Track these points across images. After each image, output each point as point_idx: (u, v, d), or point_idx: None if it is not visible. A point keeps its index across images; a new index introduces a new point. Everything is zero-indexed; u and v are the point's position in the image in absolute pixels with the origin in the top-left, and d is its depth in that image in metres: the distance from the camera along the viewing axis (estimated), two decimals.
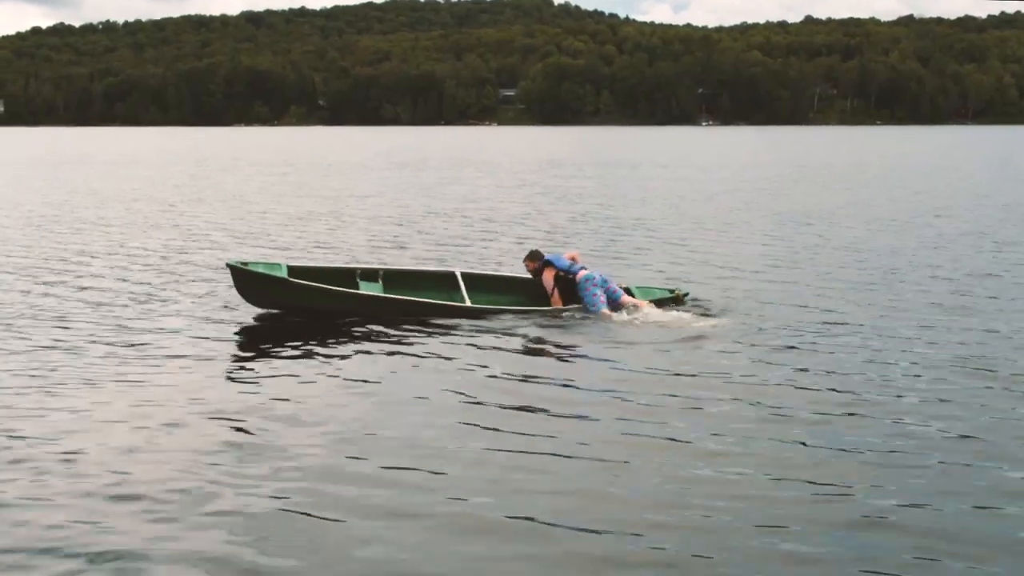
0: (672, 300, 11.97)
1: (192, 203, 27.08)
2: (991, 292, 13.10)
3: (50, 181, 37.36)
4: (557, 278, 11.96)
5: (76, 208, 25.50)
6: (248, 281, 11.36)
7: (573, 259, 12.27)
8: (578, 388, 8.59)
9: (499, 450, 6.95)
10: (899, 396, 8.24)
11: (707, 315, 11.35)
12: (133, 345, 10.02)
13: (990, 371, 8.97)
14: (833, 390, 8.38)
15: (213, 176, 40.43)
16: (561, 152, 67.32)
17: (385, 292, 11.79)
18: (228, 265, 11.57)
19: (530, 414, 7.87)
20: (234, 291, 11.71)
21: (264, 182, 36.64)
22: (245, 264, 11.61)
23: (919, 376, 8.84)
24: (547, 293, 11.94)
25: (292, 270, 11.69)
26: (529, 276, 12.34)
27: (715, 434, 7.26)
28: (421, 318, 11.17)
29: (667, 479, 6.41)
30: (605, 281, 11.84)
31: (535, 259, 12.28)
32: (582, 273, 11.87)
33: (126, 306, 12.09)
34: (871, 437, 7.18)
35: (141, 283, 13.78)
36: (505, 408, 7.99)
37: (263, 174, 42.08)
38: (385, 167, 47.98)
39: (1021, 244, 17.97)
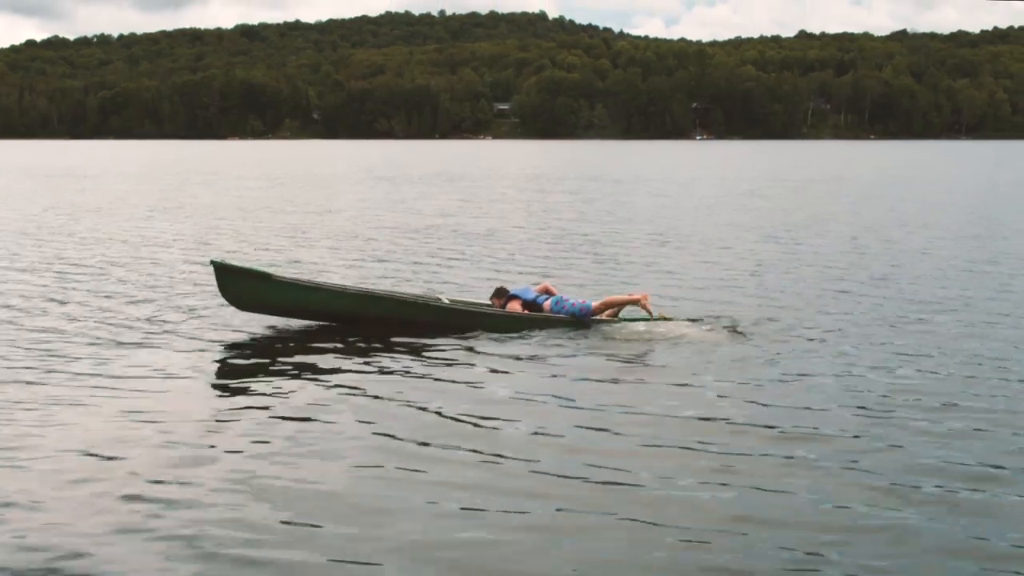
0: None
1: (153, 217, 26.98)
2: (965, 304, 13.07)
3: (27, 194, 37.31)
4: (524, 305, 11.79)
5: (45, 222, 25.36)
6: (232, 279, 11.24)
7: (546, 290, 12.01)
8: (570, 401, 8.47)
9: (478, 479, 6.67)
10: (887, 415, 8.09)
11: (698, 327, 11.25)
12: (104, 357, 9.96)
13: (991, 391, 8.82)
14: (831, 411, 8.23)
15: (187, 189, 40.42)
16: (548, 166, 67.46)
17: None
18: (212, 263, 11.45)
19: (518, 430, 7.66)
20: (205, 304, 11.77)
21: (237, 196, 36.56)
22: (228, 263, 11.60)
23: (896, 395, 8.66)
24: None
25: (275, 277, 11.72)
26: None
27: (699, 452, 7.14)
28: (407, 322, 11.19)
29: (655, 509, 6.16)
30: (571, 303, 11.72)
31: (500, 296, 12.02)
32: (548, 303, 11.70)
33: (90, 319, 11.92)
34: (860, 461, 6.99)
35: (105, 295, 13.62)
36: (492, 420, 7.89)
37: (239, 188, 42.07)
38: (365, 180, 48.02)
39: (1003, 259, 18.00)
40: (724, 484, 6.56)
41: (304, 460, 7.02)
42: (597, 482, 6.59)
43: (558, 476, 6.70)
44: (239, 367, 9.83)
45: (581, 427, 7.76)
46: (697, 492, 6.44)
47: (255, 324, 11.57)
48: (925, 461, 6.98)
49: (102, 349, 10.34)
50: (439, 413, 8.13)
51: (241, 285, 11.24)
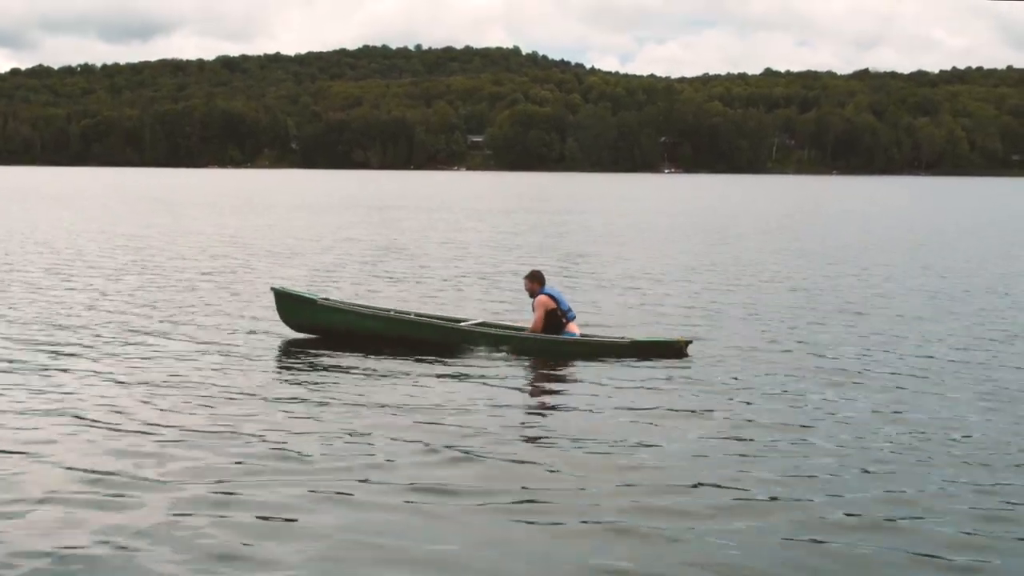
0: (673, 348, 12.05)
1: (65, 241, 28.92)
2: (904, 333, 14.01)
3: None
4: (553, 314, 12.23)
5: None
6: (286, 303, 13.09)
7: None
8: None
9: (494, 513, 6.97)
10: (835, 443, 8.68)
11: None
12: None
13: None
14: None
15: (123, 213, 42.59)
16: (496, 197, 70.43)
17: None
18: (272, 289, 13.46)
19: (542, 457, 7.98)
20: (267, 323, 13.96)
21: (165, 221, 38.75)
22: (286, 290, 13.51)
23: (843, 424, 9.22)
24: (536, 315, 12.37)
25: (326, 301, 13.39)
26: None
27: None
28: (433, 344, 12.19)
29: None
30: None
31: (536, 280, 12.52)
32: (573, 324, 12.37)
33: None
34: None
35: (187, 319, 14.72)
36: (518, 446, 8.35)
37: (173, 213, 44.23)
38: (312, 208, 50.68)
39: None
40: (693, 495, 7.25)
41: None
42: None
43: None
44: (283, 376, 11.08)
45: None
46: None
47: (304, 340, 12.96)
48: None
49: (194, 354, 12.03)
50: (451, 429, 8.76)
51: (293, 308, 13.05)
